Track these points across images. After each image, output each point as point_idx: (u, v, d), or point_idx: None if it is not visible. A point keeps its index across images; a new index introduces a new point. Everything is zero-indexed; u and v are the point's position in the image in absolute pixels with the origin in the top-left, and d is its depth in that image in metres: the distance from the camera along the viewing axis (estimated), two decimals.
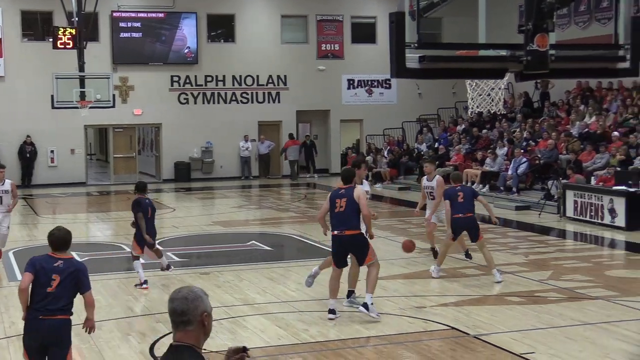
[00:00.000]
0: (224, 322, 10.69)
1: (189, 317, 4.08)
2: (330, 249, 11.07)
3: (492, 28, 7.30)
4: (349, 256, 10.92)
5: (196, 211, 23.91)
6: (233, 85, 33.80)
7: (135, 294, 12.29)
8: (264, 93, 34.18)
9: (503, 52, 7.10)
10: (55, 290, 7.22)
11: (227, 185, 31.39)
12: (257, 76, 33.98)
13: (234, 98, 33.85)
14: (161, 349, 9.49)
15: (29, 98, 30.61)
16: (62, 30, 26.08)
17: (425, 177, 14.66)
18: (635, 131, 22.43)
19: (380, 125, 34.17)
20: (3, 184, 14.75)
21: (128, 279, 13.17)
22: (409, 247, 12.82)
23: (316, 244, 16.52)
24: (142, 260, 12.97)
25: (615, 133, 22.77)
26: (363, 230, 10.79)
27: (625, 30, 6.89)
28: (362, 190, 10.83)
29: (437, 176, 14.33)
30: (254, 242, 17.45)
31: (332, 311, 10.70)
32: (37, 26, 32.01)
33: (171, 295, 4.14)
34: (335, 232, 10.67)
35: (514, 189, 23.57)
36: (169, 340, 9.70)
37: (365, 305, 10.48)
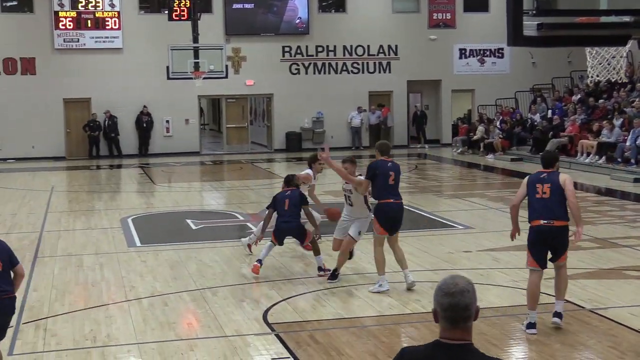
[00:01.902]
0: (335, 291, 10.79)
1: (472, 311, 3.69)
2: (529, 245, 9.06)
3: None
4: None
5: None
6: (344, 55, 33.81)
7: (249, 261, 12.50)
8: (374, 63, 34.08)
9: (626, 18, 6.85)
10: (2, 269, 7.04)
11: (338, 155, 31.24)
12: (368, 46, 33.88)
13: (344, 68, 33.88)
14: (274, 315, 9.66)
15: (146, 69, 31.41)
16: (177, 2, 26.65)
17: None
18: None
19: (492, 95, 33.60)
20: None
21: (241, 247, 13.38)
22: (334, 215, 12.02)
23: (427, 214, 16.43)
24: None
25: None
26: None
27: None
28: (568, 176, 8.97)
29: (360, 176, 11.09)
30: None
31: (531, 325, 8.92)
32: None
33: (445, 288, 3.67)
34: (542, 222, 8.76)
35: (632, 161, 22.85)
36: (282, 308, 9.99)
37: (559, 315, 9.02)
